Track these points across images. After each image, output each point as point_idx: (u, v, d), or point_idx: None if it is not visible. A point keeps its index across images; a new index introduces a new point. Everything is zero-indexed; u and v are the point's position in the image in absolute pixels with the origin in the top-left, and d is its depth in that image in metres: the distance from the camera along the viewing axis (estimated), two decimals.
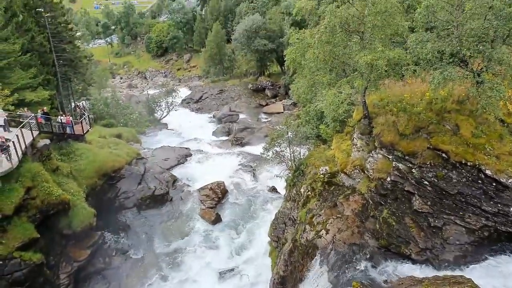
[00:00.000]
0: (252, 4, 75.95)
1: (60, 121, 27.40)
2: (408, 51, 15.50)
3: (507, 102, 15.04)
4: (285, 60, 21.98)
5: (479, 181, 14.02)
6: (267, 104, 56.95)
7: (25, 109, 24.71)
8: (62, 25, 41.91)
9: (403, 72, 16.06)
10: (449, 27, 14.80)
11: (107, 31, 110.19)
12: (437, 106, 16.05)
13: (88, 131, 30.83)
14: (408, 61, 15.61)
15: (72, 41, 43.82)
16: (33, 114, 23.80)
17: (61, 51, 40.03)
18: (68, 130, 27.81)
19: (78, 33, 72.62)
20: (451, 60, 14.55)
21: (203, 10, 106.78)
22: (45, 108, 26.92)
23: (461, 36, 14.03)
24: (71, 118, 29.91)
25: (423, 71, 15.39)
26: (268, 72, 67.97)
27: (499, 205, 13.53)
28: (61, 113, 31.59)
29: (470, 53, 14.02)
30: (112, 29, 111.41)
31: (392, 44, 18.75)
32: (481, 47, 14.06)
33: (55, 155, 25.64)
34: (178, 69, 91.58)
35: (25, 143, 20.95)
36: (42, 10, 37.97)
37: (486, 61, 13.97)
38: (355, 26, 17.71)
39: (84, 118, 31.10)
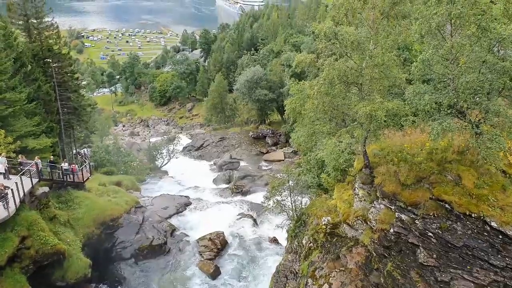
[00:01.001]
0: (253, 56, 78.74)
1: (63, 168, 27.39)
2: (406, 102, 15.78)
3: (507, 153, 15.03)
4: (285, 109, 22.38)
5: (484, 233, 13.67)
6: (267, 152, 57.17)
7: (22, 156, 24.57)
8: (68, 74, 43.07)
9: (402, 122, 16.26)
10: (445, 79, 15.18)
11: (112, 81, 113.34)
12: (438, 156, 16.06)
13: (88, 178, 30.71)
14: (406, 112, 15.85)
15: (77, 90, 44.82)
16: (33, 162, 23.80)
17: (66, 100, 40.85)
18: (69, 178, 27.71)
19: (84, 82, 74.69)
20: (449, 111, 14.78)
21: (206, 62, 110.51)
22: (52, 157, 27.06)
23: (457, 89, 14.34)
24: (77, 166, 30.02)
25: (422, 121, 15.57)
26: (268, 121, 68.98)
27: (507, 258, 13.09)
28: (65, 160, 31.65)
29: (467, 104, 14.27)
30: (116, 79, 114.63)
31: (390, 95, 19.19)
32: (477, 98, 14.35)
33: (53, 203, 25.33)
34: (181, 117, 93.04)
35: (23, 191, 20.78)
36: (50, 60, 39.34)
37: (483, 112, 14.17)
38: (353, 78, 18.18)
39: (85, 165, 31.10)
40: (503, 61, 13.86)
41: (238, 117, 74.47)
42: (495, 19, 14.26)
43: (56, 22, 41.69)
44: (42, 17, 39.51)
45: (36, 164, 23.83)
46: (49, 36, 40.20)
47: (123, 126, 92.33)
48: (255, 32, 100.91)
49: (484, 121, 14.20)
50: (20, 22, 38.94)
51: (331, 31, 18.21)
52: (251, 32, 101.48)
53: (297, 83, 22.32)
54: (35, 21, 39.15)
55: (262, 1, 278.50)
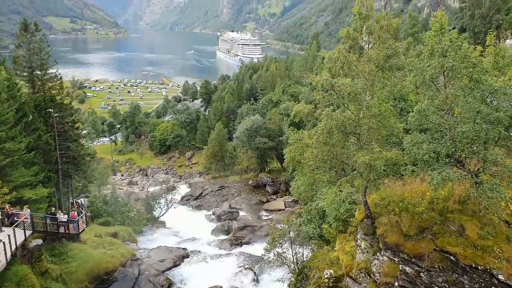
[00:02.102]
0: (253, 106, 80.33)
1: (59, 219, 26.84)
2: (405, 151, 15.83)
3: (508, 203, 14.85)
4: (285, 158, 22.43)
5: (492, 287, 13.16)
6: (268, 201, 56.48)
7: (9, 206, 24.02)
8: (69, 124, 43.48)
9: (401, 172, 16.22)
10: (441, 129, 15.35)
11: (112, 130, 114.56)
12: (439, 206, 15.85)
13: (84, 230, 30.02)
14: (405, 161, 15.86)
15: (77, 140, 45.01)
16: (27, 212, 23.34)
17: (65, 149, 40.92)
18: (63, 230, 27.06)
19: (84, 132, 75.39)
20: (447, 160, 14.79)
21: (207, 111, 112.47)
22: (53, 209, 26.62)
23: (454, 138, 14.45)
24: (76, 213, 29.51)
25: (421, 171, 15.52)
26: (268, 169, 68.86)
27: None
28: (61, 211, 31.12)
29: (465, 154, 14.30)
30: (117, 128, 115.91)
31: (388, 144, 19.31)
32: (475, 148, 14.41)
33: (46, 256, 24.50)
34: (180, 166, 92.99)
35: (16, 244, 20.15)
36: (52, 110, 39.88)
37: (481, 162, 14.17)
38: (351, 128, 18.39)
39: (81, 216, 30.53)
40: (497, 112, 14.09)
41: (238, 165, 74.44)
42: (486, 71, 14.68)
43: (59, 74, 42.65)
44: (47, 69, 40.47)
45: (31, 215, 23.34)
46: (52, 87, 40.99)
47: (122, 175, 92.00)
48: (255, 83, 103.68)
49: (483, 171, 14.16)
50: (25, 74, 39.87)
51: (328, 83, 18.69)
52: (251, 83, 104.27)
53: (296, 132, 22.55)
54: (39, 72, 40.06)
55: (261, 54, 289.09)
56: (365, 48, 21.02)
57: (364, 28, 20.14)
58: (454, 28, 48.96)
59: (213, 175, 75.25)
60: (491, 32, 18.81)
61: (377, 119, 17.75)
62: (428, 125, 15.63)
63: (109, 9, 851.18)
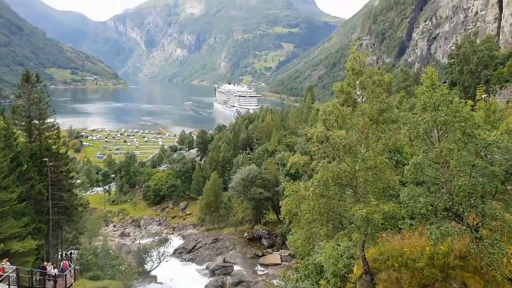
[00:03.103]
0: (248, 155, 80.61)
1: (47, 272, 25.82)
2: (402, 205, 15.69)
3: (510, 259, 14.49)
4: (281, 209, 22.10)
5: None
6: (263, 255, 54.89)
7: (5, 260, 23.27)
8: (63, 173, 43.20)
9: (399, 225, 15.97)
10: (438, 182, 15.33)
11: (107, 179, 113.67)
12: (440, 261, 15.43)
13: (71, 285, 28.76)
14: (403, 214, 15.67)
15: (70, 189, 44.51)
16: (14, 267, 22.47)
17: (58, 199, 40.32)
18: (51, 285, 25.90)
19: (78, 181, 74.65)
20: (445, 214, 14.62)
21: (203, 160, 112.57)
22: (45, 263, 25.72)
23: (451, 192, 14.39)
24: (68, 262, 28.48)
25: (420, 225, 15.28)
26: (264, 220, 67.68)
27: None
28: (49, 264, 29.99)
29: (463, 208, 14.16)
30: (111, 177, 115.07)
31: (385, 197, 19.17)
32: (472, 201, 14.31)
33: None
34: (173, 217, 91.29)
35: None
36: (47, 159, 39.74)
37: (480, 216, 14.00)
38: (347, 181, 18.33)
39: (70, 270, 29.38)
40: (492, 166, 14.16)
41: (233, 216, 73.26)
42: (478, 126, 14.95)
43: (57, 123, 43.08)
44: (45, 119, 40.90)
45: (17, 269, 22.45)
46: (49, 136, 41.23)
47: (114, 226, 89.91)
48: (251, 133, 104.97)
49: (483, 225, 13.96)
50: (23, 123, 40.20)
51: (323, 135, 18.89)
52: (247, 133, 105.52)
53: (292, 183, 22.42)
54: (37, 122, 40.45)
55: (257, 105, 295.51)
56: (359, 101, 21.53)
57: (357, 82, 20.72)
58: (444, 82, 50.65)
59: (207, 227, 73.74)
60: (480, 87, 19.44)
61: (373, 171, 17.76)
62: (424, 178, 15.62)
63: (109, 61, 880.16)
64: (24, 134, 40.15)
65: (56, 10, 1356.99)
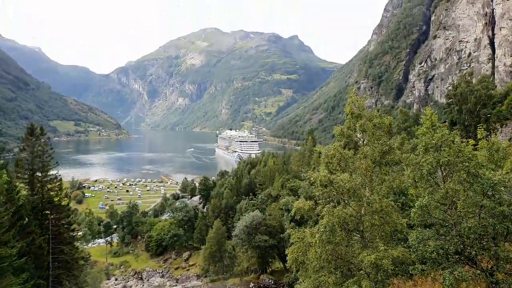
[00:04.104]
0: (251, 201, 79.65)
1: None
2: (411, 249, 15.24)
3: None
4: (287, 257, 21.42)
5: None
6: None
7: None
8: (65, 226, 42.58)
9: (410, 271, 15.41)
10: (446, 224, 14.98)
11: (109, 231, 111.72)
12: None
13: None
14: (413, 259, 15.17)
15: (72, 242, 43.69)
16: None
17: (59, 253, 39.46)
18: None
19: (80, 233, 73.39)
20: (457, 258, 14.15)
21: (205, 208, 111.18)
22: None
23: (461, 234, 14.03)
24: None
25: (432, 270, 14.76)
26: (270, 269, 65.52)
27: None
28: None
29: (475, 251, 13.74)
30: (113, 229, 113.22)
31: (393, 241, 18.67)
32: (484, 243, 13.89)
33: None
34: (176, 268, 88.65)
35: None
36: (49, 212, 39.33)
37: (494, 259, 13.55)
38: (353, 225, 17.96)
39: None
40: (500, 206, 13.90)
41: (238, 266, 71.09)
42: (482, 165, 14.87)
43: (60, 175, 43.12)
44: (48, 171, 41.00)
45: None
46: (52, 188, 41.13)
47: (116, 279, 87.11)
48: (253, 178, 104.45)
49: (497, 269, 13.47)
50: (26, 176, 40.23)
51: (326, 179, 18.76)
52: (249, 178, 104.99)
53: (298, 230, 21.92)
54: (40, 174, 40.52)
55: (258, 150, 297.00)
56: (360, 144, 21.58)
57: (357, 125, 20.88)
58: (444, 122, 50.92)
59: (211, 278, 71.35)
60: (481, 126, 19.54)
61: (379, 215, 17.44)
62: (432, 221, 15.30)
63: (112, 112, 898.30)
64: (27, 187, 40.04)
65: (61, 65, 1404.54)
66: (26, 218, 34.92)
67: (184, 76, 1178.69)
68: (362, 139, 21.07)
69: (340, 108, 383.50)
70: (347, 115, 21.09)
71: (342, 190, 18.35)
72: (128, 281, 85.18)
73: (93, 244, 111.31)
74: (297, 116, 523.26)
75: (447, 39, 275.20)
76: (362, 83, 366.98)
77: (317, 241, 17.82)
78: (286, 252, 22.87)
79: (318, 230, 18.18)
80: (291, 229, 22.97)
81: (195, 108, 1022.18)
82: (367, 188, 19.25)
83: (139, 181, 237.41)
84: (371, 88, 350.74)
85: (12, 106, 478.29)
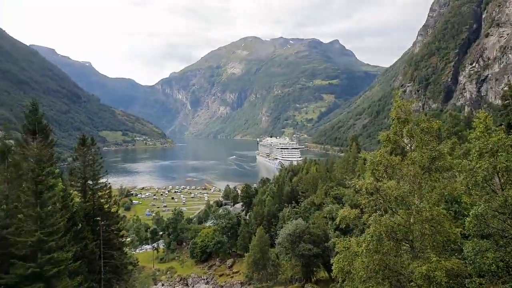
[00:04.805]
0: (294, 209, 78.92)
1: None
2: (467, 261, 14.38)
3: None
4: (332, 266, 20.95)
5: None
6: None
7: None
8: (114, 232, 44.35)
9: (467, 284, 14.52)
10: (506, 235, 14.01)
11: (155, 237, 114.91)
12: None
13: None
14: (470, 272, 14.30)
15: (121, 248, 45.37)
16: None
17: (109, 258, 41.07)
18: None
19: (128, 239, 76.03)
20: None
21: (248, 215, 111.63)
22: None
23: None
24: None
25: (491, 284, 13.83)
26: (315, 279, 64.39)
27: None
28: None
29: None
30: (160, 235, 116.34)
31: (446, 252, 17.72)
32: None
33: None
34: (221, 275, 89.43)
35: None
36: (100, 219, 41.16)
37: None
38: (402, 235, 17.27)
39: None
40: None
41: (282, 274, 70.48)
42: None
43: (109, 183, 45.09)
44: (98, 179, 42.99)
45: None
46: (102, 196, 43.05)
47: (163, 284, 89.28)
48: (295, 185, 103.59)
49: None
50: (78, 184, 42.42)
51: (372, 187, 18.22)
52: (291, 186, 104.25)
53: (343, 239, 21.42)
54: (91, 182, 42.57)
55: (300, 157, 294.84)
56: (407, 150, 20.77)
57: (404, 131, 20.13)
58: (500, 125, 47.69)
59: (255, 286, 71.29)
60: None
61: (430, 224, 16.65)
62: (490, 231, 14.37)
63: (157, 122, 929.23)
64: (79, 194, 42.17)
65: (109, 78, 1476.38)
66: (80, 224, 36.66)
67: (225, 85, 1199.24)
68: (409, 145, 20.30)
69: (385, 113, 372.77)
70: (393, 120, 20.42)
71: (389, 198, 17.78)
72: (174, 287, 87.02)
73: (141, 250, 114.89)
74: (339, 122, 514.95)
75: (501, 36, 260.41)
76: (408, 86, 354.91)
77: (364, 251, 17.31)
78: (332, 261, 22.41)
79: (365, 239, 17.68)
80: (336, 238, 22.51)
81: (236, 116, 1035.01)
82: (416, 195, 18.45)
83: (183, 188, 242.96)
84: (418, 91, 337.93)
85: (66, 118, 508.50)
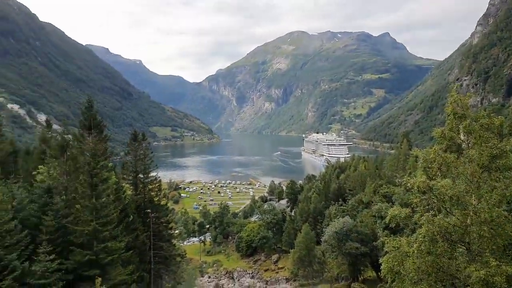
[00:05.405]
0: (341, 207, 77.54)
1: None
2: None
3: None
4: (380, 266, 20.30)
5: None
6: None
7: None
8: (164, 224, 45.95)
9: None
10: None
11: (202, 230, 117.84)
12: None
13: None
14: None
15: (170, 240, 46.95)
16: None
17: (159, 249, 42.65)
18: None
19: (176, 232, 78.56)
20: None
21: (293, 211, 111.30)
22: None
23: None
24: None
25: None
26: (362, 278, 63.05)
27: None
28: None
29: None
30: (206, 228, 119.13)
31: (507, 256, 16.56)
32: None
33: None
34: (266, 270, 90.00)
35: None
36: (150, 211, 42.77)
37: None
38: (458, 236, 16.37)
39: None
40: None
41: (327, 272, 69.65)
42: None
43: (159, 177, 46.71)
44: (149, 173, 44.69)
45: None
46: (152, 189, 44.72)
47: (209, 277, 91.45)
48: (342, 182, 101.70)
49: None
50: (130, 178, 44.34)
51: (425, 185, 17.39)
52: (338, 183, 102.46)
53: (393, 238, 20.67)
54: (142, 176, 44.33)
55: (347, 153, 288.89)
56: (464, 147, 19.59)
57: (461, 127, 18.99)
58: None
59: (300, 282, 71.02)
60: None
61: (489, 226, 15.63)
62: None
63: (204, 118, 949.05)
64: (131, 187, 44.07)
65: (158, 75, 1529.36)
66: (131, 216, 38.37)
67: (270, 81, 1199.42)
68: (466, 142, 19.12)
69: (439, 108, 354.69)
70: (449, 115, 19.33)
71: (444, 198, 16.90)
72: (220, 280, 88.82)
73: (188, 242, 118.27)
74: (390, 118, 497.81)
75: None
76: (465, 80, 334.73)
77: (415, 251, 16.62)
78: (380, 261, 21.72)
79: (417, 239, 16.98)
80: (385, 237, 21.76)
81: (281, 112, 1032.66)
82: (473, 195, 17.38)
83: (229, 183, 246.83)
84: (476, 85, 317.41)
85: (118, 115, 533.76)
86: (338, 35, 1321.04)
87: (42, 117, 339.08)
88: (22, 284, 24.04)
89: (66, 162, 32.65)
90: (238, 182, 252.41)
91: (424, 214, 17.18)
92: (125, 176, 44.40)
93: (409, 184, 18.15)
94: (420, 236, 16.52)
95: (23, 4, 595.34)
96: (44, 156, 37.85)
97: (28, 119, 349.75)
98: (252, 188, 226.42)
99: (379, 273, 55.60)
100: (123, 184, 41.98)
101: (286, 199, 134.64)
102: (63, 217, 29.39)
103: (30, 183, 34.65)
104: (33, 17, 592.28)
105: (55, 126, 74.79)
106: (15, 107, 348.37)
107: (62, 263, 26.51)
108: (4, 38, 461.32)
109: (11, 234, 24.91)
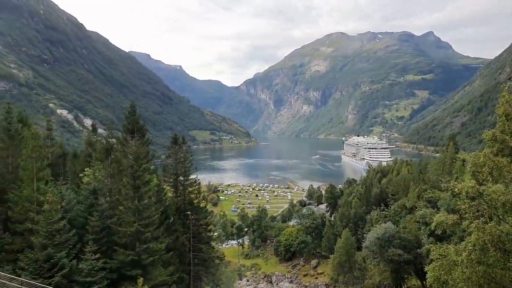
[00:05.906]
0: (383, 212, 75.26)
1: None
2: None
3: None
4: (426, 274, 19.41)
5: None
6: None
7: None
8: (203, 226, 46.49)
9: None
10: None
11: (240, 233, 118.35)
12: None
13: None
14: None
15: (209, 242, 47.42)
16: None
17: (198, 251, 43.18)
18: None
19: (215, 234, 79.35)
20: None
21: (332, 216, 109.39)
22: None
23: None
24: None
25: None
26: (405, 286, 60.74)
27: None
28: None
29: None
30: (244, 231, 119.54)
31: None
32: None
33: None
34: (305, 275, 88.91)
35: None
36: (189, 213, 43.46)
37: None
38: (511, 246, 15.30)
39: None
40: None
41: (369, 279, 67.69)
42: None
43: (198, 179, 47.37)
44: (189, 175, 45.43)
45: None
46: (192, 191, 45.41)
47: (247, 280, 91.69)
48: (384, 187, 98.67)
49: None
50: (171, 180, 45.30)
51: (474, 191, 16.46)
52: (380, 187, 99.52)
53: (440, 246, 19.70)
54: (182, 178, 45.15)
55: (390, 157, 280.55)
56: None
57: None
58: None
59: None
60: None
61: None
62: None
63: (242, 121, 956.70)
64: (172, 189, 45.01)
65: (198, 80, 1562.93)
66: (172, 218, 39.16)
67: (308, 83, 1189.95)
68: None
69: (488, 110, 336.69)
70: (500, 117, 18.23)
71: (495, 204, 15.90)
72: (258, 283, 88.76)
73: (226, 245, 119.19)
74: (434, 120, 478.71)
75: None
76: None
77: (465, 260, 15.76)
78: (426, 269, 20.74)
79: (465, 247, 16.09)
80: (431, 245, 20.80)
81: (320, 114, 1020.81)
82: None
83: (267, 187, 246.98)
84: None
85: (159, 119, 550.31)
86: (379, 35, 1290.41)
87: (88, 122, 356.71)
88: (70, 281, 25.14)
89: (110, 165, 33.90)
90: (275, 185, 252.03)
91: (474, 221, 16.26)
92: (166, 178, 45.42)
93: (456, 189, 17.29)
94: (469, 244, 15.64)
95: (71, 15, 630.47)
96: (90, 159, 39.53)
97: (75, 124, 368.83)
98: (290, 192, 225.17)
99: (424, 282, 53.30)
100: (164, 186, 42.97)
101: (326, 204, 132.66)
102: (107, 217, 30.49)
103: (77, 185, 36.29)
104: (81, 26, 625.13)
105: (100, 130, 78.13)
106: (64, 112, 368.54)
107: (106, 262, 27.47)
108: (54, 47, 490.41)
109: (60, 233, 26.16)
